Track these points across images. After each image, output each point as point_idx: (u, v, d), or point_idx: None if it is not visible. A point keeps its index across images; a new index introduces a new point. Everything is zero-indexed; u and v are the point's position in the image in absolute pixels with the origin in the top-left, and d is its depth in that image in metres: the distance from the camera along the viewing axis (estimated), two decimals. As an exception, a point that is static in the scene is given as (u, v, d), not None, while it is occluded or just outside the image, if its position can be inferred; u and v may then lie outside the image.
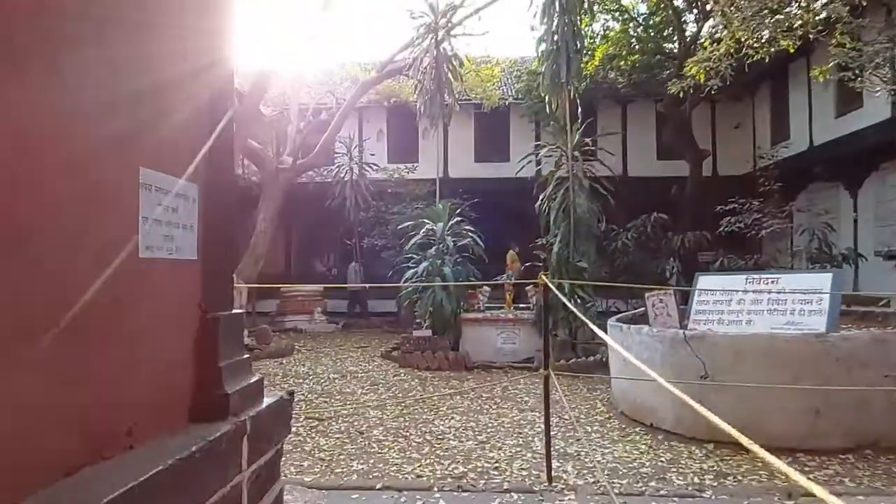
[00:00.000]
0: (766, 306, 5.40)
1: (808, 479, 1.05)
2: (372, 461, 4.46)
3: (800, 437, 4.37)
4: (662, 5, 13.92)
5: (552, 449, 4.10)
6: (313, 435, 5.18)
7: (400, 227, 11.78)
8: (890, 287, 9.00)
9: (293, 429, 4.49)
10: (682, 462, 4.31)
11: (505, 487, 3.82)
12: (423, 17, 12.11)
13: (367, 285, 13.87)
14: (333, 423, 5.58)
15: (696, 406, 1.56)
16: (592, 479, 3.99)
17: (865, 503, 3.50)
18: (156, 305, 1.56)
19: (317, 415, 5.85)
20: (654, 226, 11.98)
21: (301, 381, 7.73)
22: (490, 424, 5.48)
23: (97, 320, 1.30)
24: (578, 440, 4.84)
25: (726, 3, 7.43)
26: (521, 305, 9.98)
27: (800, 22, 6.97)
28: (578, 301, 8.49)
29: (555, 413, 4.71)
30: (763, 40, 7.34)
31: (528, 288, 9.86)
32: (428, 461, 4.43)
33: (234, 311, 1.94)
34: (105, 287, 1.34)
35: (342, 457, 4.58)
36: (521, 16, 35.60)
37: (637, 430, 5.16)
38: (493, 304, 10.24)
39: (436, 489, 3.80)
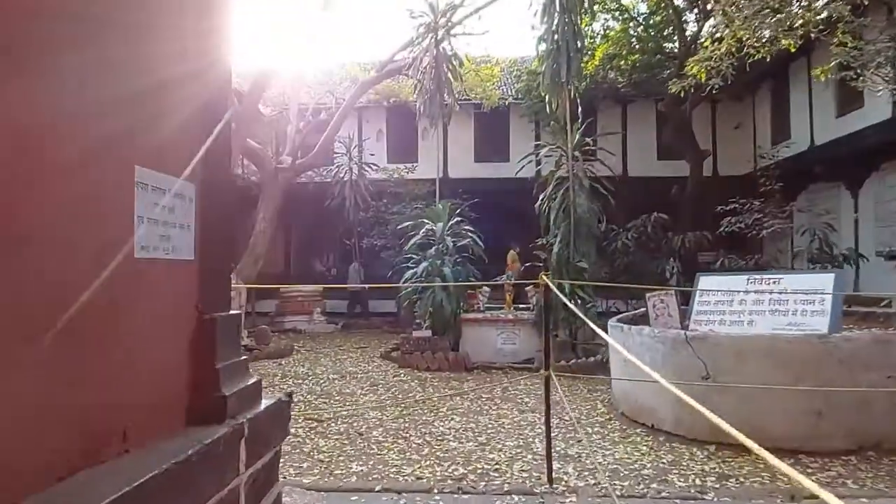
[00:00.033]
0: (768, 307, 5.38)
1: (811, 481, 1.03)
2: (371, 463, 4.43)
3: (802, 439, 4.35)
4: (663, 5, 13.90)
5: (553, 450, 4.08)
6: (312, 436, 5.15)
7: (399, 227, 11.75)
8: (891, 287, 8.97)
9: (292, 430, 4.47)
10: (684, 464, 4.28)
11: (506, 489, 3.80)
12: (422, 17, 12.08)
13: (366, 286, 13.85)
14: (333, 425, 5.56)
15: (699, 408, 1.54)
16: (593, 481, 3.97)
17: (868, 505, 3.48)
18: (151, 306, 1.54)
19: (316, 416, 5.82)
20: (654, 226, 11.96)
21: (300, 381, 7.71)
22: (490, 425, 5.45)
23: (91, 321, 1.28)
24: (579, 441, 4.82)
25: (727, 2, 7.41)
26: (521, 306, 9.96)
27: (801, 21, 6.94)
28: (579, 301, 8.46)
29: (555, 414, 4.69)
30: (764, 39, 7.31)
31: (528, 288, 9.84)
32: (428, 463, 4.41)
33: (232, 311, 1.92)
34: (99, 287, 1.31)
35: (341, 458, 4.55)
36: (521, 15, 35.64)
37: (638, 431, 5.13)
38: (493, 304, 10.22)
39: (436, 491, 3.78)
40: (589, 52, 13.47)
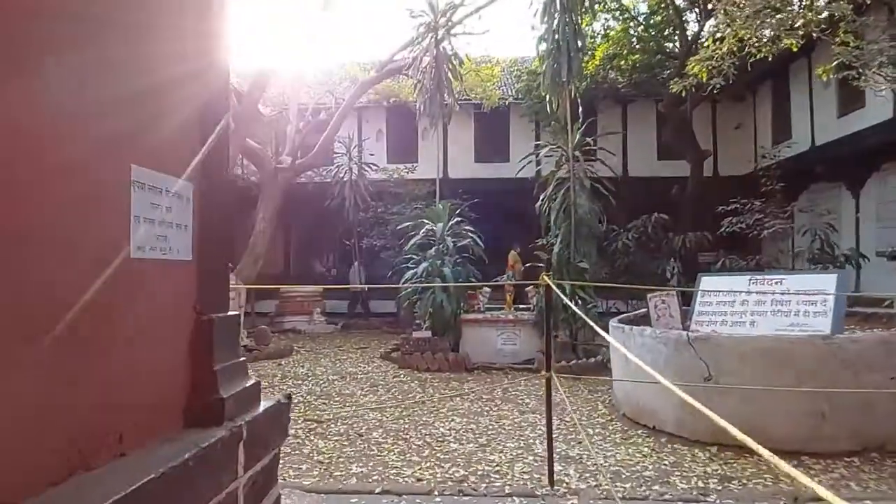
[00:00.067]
0: (770, 307, 5.35)
1: (815, 483, 1.01)
2: (371, 464, 4.41)
3: (805, 440, 4.32)
4: (663, 4, 13.89)
5: (554, 452, 4.05)
6: (312, 437, 5.13)
7: (399, 227, 11.72)
8: (892, 288, 8.94)
9: (291, 431, 4.44)
10: (686, 465, 4.26)
11: (507, 491, 3.77)
12: (422, 16, 12.05)
13: (366, 286, 13.82)
14: (332, 425, 5.53)
15: (705, 410, 1.52)
16: (595, 483, 3.94)
17: (872, 507, 3.45)
18: (148, 307, 1.51)
19: (316, 417, 5.80)
20: (654, 226, 11.95)
21: (300, 382, 7.68)
22: (491, 426, 5.42)
23: (85, 322, 1.25)
24: (580, 443, 4.79)
25: (728, 1, 7.39)
26: (522, 306, 9.93)
27: (802, 21, 6.92)
28: (579, 302, 8.44)
29: (556, 415, 4.66)
30: (766, 39, 7.29)
31: (528, 289, 9.81)
32: (428, 464, 4.38)
33: (230, 312, 1.89)
34: (94, 288, 1.29)
35: (341, 460, 4.53)
36: (521, 15, 35.64)
37: (639, 432, 5.11)
38: (494, 304, 10.20)
39: (436, 493, 3.75)
40: (589, 52, 13.46)
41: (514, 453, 4.61)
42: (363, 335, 12.45)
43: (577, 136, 9.42)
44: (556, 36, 9.26)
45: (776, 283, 5.51)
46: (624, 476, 4.08)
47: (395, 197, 14.65)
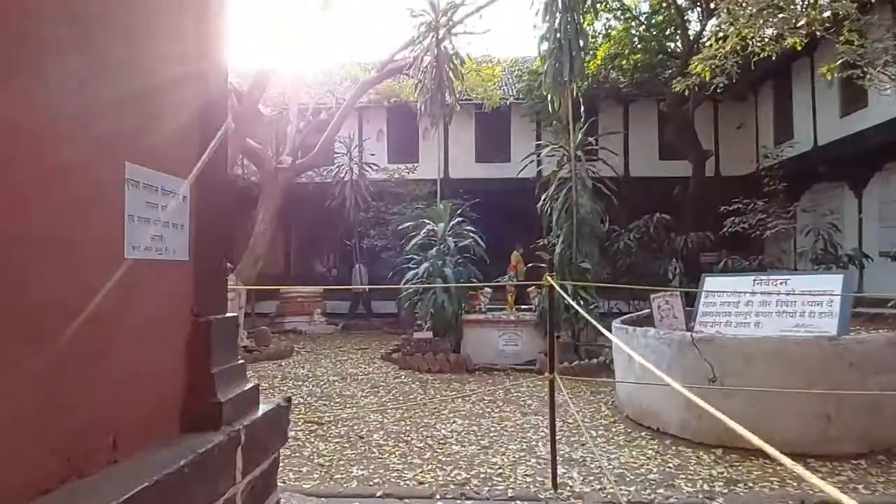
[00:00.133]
0: (775, 308, 5.30)
1: (826, 484, 0.97)
2: (372, 467, 4.36)
3: (811, 443, 4.26)
4: (665, 4, 13.86)
5: (557, 454, 4.00)
6: (312, 439, 5.08)
7: (400, 227, 11.68)
8: (895, 288, 8.90)
9: (291, 433, 4.40)
10: (691, 468, 4.21)
11: (510, 495, 3.72)
12: (423, 16, 12.01)
13: (366, 287, 13.78)
14: (333, 427, 5.48)
15: (714, 412, 1.48)
16: (599, 486, 3.89)
17: (881, 511, 3.40)
18: (143, 309, 1.47)
19: (316, 418, 5.76)
20: (656, 226, 11.91)
21: (300, 383, 7.64)
22: (493, 428, 5.38)
23: (77, 324, 1.21)
24: (583, 445, 4.74)
25: (731, 0, 7.34)
26: (523, 307, 9.89)
27: (805, 19, 6.87)
28: (582, 302, 8.39)
29: (559, 417, 4.61)
30: (769, 38, 7.24)
31: (529, 289, 9.77)
32: (430, 467, 4.33)
33: (228, 314, 1.85)
34: (86, 289, 1.25)
35: (342, 462, 4.48)
36: (522, 14, 35.65)
37: (643, 434, 5.06)
38: (495, 305, 10.15)
39: (438, 496, 3.70)
40: (591, 52, 13.42)
41: (517, 456, 4.56)
42: (364, 336, 12.41)
43: (579, 136, 9.37)
44: (558, 35, 9.21)
45: (781, 283, 5.46)
46: (628, 479, 4.03)
47: (396, 197, 14.62)
